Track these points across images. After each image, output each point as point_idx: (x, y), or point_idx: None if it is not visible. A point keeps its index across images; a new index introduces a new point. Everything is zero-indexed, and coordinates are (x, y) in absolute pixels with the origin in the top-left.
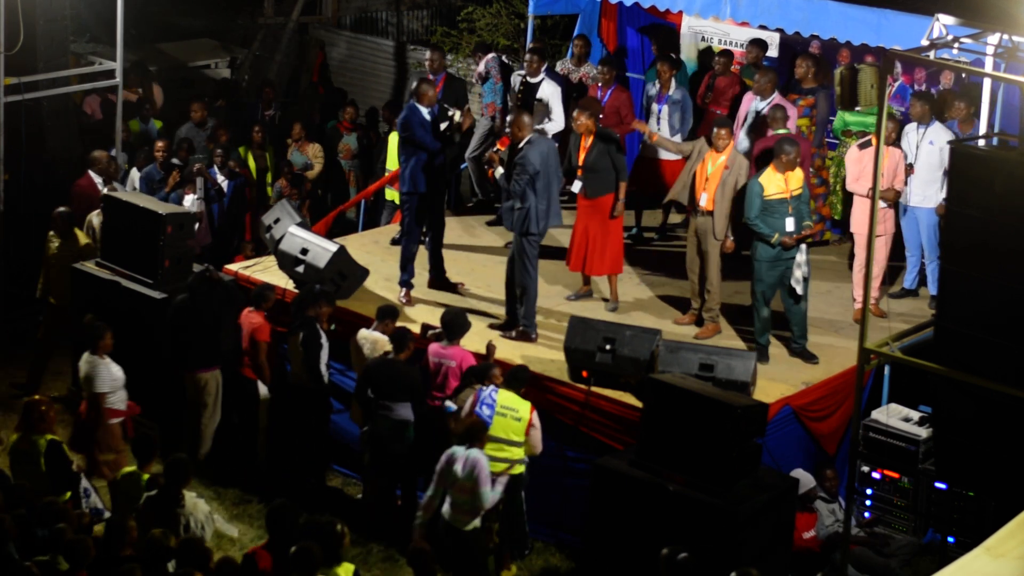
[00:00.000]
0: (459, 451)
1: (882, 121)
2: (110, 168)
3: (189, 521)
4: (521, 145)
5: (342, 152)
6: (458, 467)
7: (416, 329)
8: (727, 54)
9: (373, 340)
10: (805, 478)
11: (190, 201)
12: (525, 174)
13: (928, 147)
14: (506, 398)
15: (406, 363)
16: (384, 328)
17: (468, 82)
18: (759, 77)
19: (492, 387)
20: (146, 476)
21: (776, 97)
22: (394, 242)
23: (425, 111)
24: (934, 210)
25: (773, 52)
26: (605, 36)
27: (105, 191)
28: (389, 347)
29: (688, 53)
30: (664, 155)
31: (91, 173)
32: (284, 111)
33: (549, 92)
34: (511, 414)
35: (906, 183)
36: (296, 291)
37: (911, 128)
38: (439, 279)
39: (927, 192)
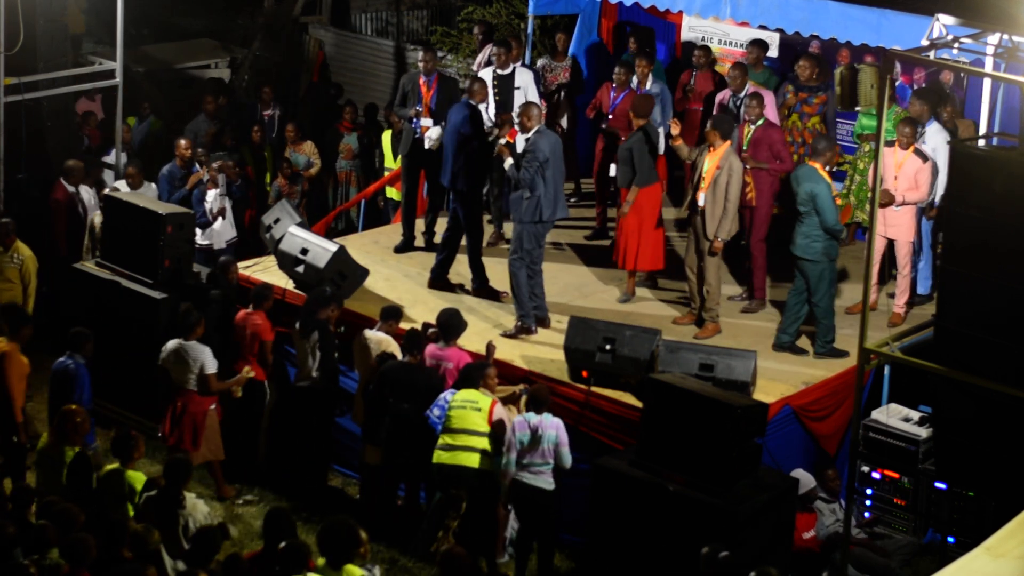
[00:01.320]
0: (531, 417)
1: (882, 122)
2: (85, 177)
3: (188, 522)
4: (531, 135)
5: (343, 152)
6: (528, 433)
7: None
8: (706, 50)
9: (377, 341)
10: (805, 478)
11: (212, 196)
12: (536, 161)
13: (923, 147)
14: (464, 394)
15: (423, 365)
16: (388, 329)
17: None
18: (731, 71)
19: (450, 390)
20: (131, 474)
21: (750, 88)
22: (397, 250)
23: (479, 108)
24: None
25: (773, 52)
26: (605, 36)
27: (106, 192)
28: (393, 347)
29: (685, 51)
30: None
31: (63, 183)
32: (284, 111)
33: (526, 80)
34: (470, 405)
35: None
36: (296, 291)
37: None
38: (440, 279)
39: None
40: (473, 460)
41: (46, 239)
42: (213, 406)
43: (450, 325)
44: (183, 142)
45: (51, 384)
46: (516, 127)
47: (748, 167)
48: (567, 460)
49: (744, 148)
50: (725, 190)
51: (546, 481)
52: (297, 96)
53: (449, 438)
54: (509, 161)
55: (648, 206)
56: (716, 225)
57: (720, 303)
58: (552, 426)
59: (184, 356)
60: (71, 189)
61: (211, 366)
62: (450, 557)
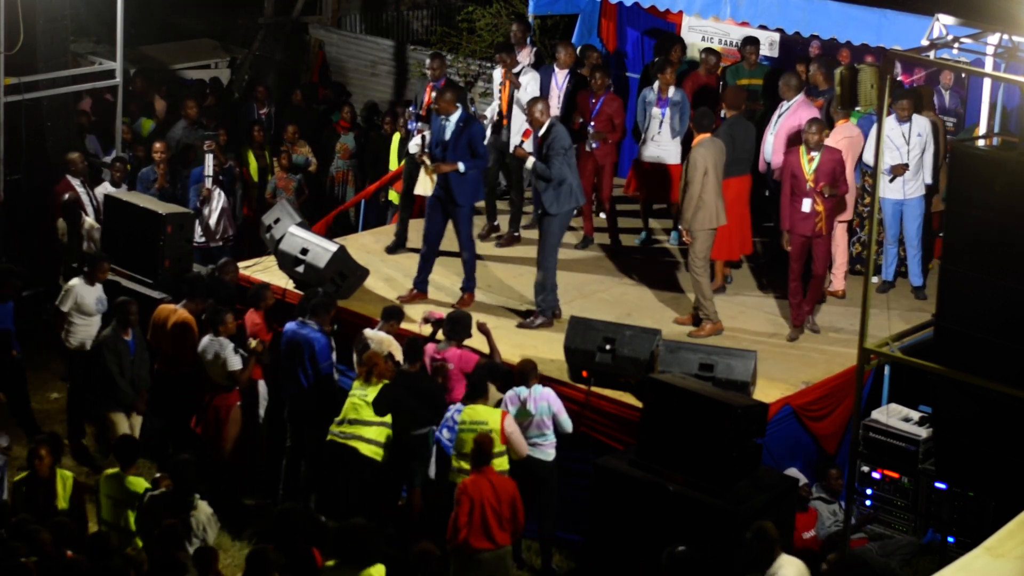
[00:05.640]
0: (521, 391)
1: (882, 122)
2: (85, 169)
3: (191, 522)
4: (546, 129)
5: (340, 152)
6: (530, 406)
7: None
8: (715, 53)
9: (378, 341)
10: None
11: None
12: (562, 151)
13: (916, 139)
14: (472, 413)
15: (425, 374)
16: (389, 328)
17: (469, 84)
18: (787, 79)
19: (457, 406)
20: (132, 479)
21: (800, 98)
22: (388, 250)
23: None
24: (920, 199)
25: (773, 52)
26: (605, 36)
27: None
28: (394, 347)
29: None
30: (665, 159)
31: (68, 176)
32: (280, 110)
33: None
34: (481, 428)
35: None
36: (296, 291)
37: (891, 122)
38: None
39: (915, 183)
40: None
41: (46, 238)
42: (238, 403)
43: (459, 324)
44: (157, 145)
45: (283, 347)
46: (528, 126)
47: (827, 196)
48: (567, 425)
49: (809, 177)
50: (685, 181)
51: (545, 453)
52: (290, 96)
53: (465, 463)
54: (531, 161)
55: (727, 197)
56: (682, 214)
57: (713, 300)
58: (543, 397)
59: (212, 352)
60: (75, 181)
61: (234, 363)
62: (424, 555)
